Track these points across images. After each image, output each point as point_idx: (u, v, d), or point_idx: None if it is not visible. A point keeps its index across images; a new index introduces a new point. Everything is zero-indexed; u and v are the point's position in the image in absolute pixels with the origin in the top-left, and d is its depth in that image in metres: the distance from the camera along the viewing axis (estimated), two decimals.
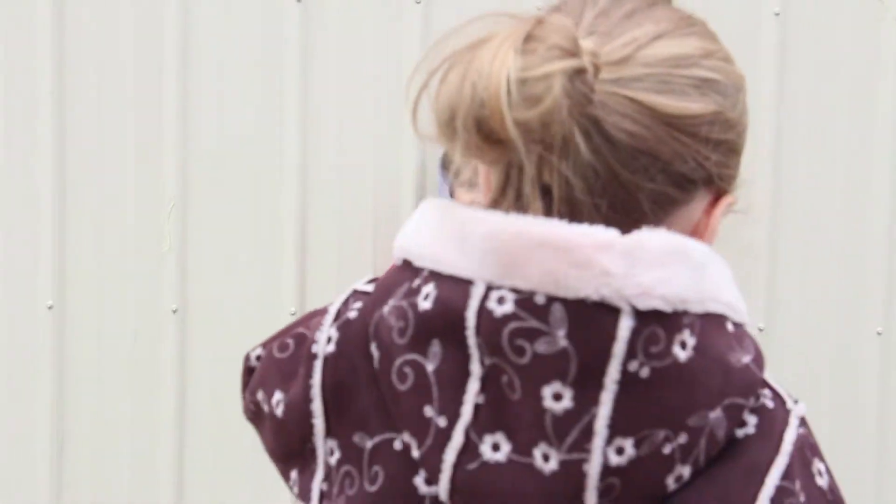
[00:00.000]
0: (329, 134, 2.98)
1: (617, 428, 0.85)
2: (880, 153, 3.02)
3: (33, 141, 2.87)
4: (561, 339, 0.84)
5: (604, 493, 0.85)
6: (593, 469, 0.84)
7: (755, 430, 0.89)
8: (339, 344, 0.96)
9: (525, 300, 0.85)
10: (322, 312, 1.03)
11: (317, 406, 0.97)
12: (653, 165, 0.87)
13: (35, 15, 2.86)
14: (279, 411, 0.99)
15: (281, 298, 3.00)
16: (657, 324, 0.84)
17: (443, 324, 0.88)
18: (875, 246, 3.03)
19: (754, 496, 0.87)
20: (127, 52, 2.90)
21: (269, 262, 2.99)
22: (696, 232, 0.92)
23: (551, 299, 0.85)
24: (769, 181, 3.00)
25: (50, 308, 2.90)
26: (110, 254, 2.92)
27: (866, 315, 3.04)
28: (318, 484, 0.98)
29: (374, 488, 0.93)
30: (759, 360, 0.90)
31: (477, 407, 0.88)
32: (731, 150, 0.91)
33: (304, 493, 1.00)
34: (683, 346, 0.85)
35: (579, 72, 0.85)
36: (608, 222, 0.87)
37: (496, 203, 0.91)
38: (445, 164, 2.93)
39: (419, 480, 0.91)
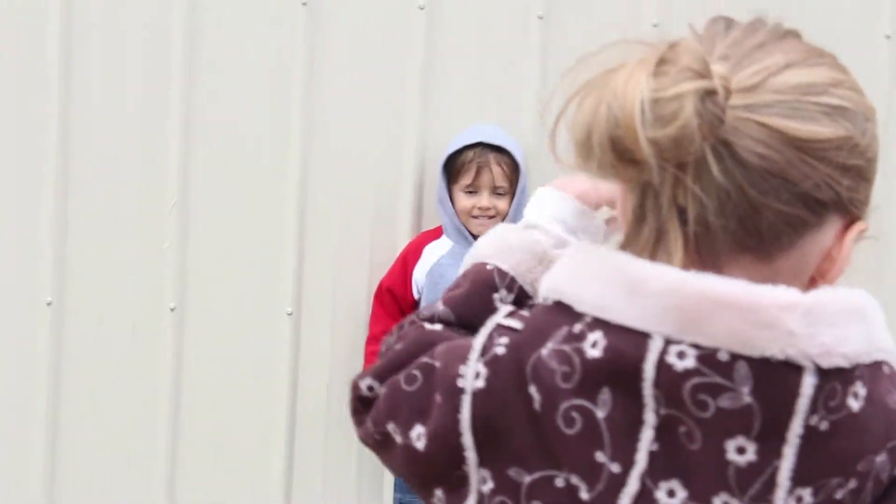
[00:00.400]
0: (330, 136, 3.00)
1: (798, 479, 0.89)
2: None
3: (37, 139, 2.90)
4: (745, 395, 0.88)
5: None
6: None
7: None
8: (488, 380, 0.98)
9: (708, 356, 0.89)
10: (445, 338, 1.06)
11: (467, 440, 0.98)
12: (783, 188, 0.89)
13: (46, 19, 2.89)
14: (420, 445, 1.01)
15: (278, 298, 3.02)
16: (837, 380, 0.89)
17: (614, 373, 0.91)
18: None
19: None
20: (134, 53, 2.92)
21: (268, 262, 3.01)
22: (830, 257, 0.95)
23: (735, 357, 0.88)
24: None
25: (49, 304, 2.92)
26: (111, 251, 2.94)
27: None
28: None
29: None
30: None
31: (651, 454, 0.91)
32: (860, 175, 0.93)
33: None
34: (856, 396, 0.90)
35: (710, 93, 0.88)
36: (741, 245, 0.91)
37: (634, 230, 0.94)
38: (447, 168, 2.95)
39: None
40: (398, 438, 1.03)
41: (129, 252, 2.95)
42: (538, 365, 0.94)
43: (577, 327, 0.93)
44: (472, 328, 1.06)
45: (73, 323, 2.95)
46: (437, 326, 1.10)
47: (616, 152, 0.88)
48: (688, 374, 0.89)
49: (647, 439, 0.91)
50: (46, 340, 2.94)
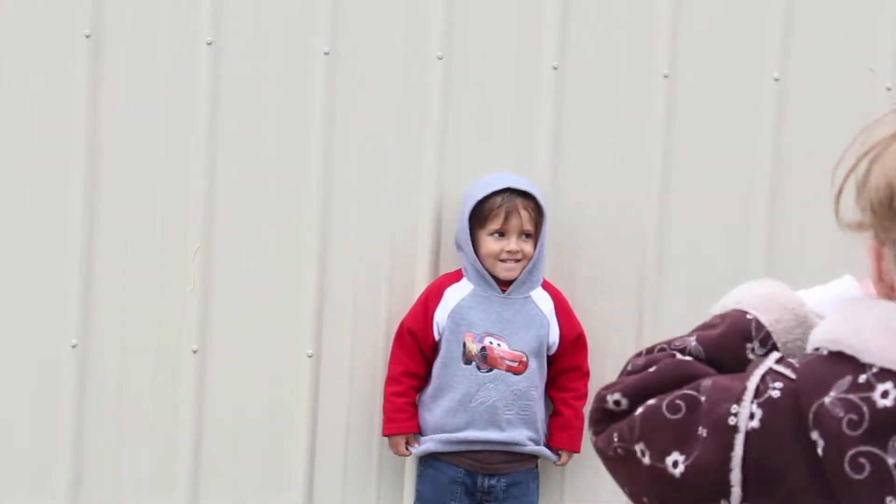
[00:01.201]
0: (348, 182, 3.06)
1: None
2: None
3: (62, 185, 2.93)
4: None
5: None
6: None
7: None
8: (763, 421, 1.03)
9: None
10: (705, 373, 1.11)
11: (736, 476, 1.03)
12: None
13: (73, 47, 2.93)
14: (676, 472, 1.06)
15: (299, 340, 3.07)
16: None
17: None
18: None
19: None
20: (158, 103, 2.97)
21: (288, 304, 3.05)
22: None
23: None
24: None
25: (74, 347, 2.95)
26: (134, 293, 2.98)
27: None
28: None
29: None
30: None
31: None
32: None
33: None
34: None
35: None
36: None
37: None
38: (473, 214, 3.00)
39: None
40: (646, 460, 1.08)
41: (154, 294, 2.98)
42: (822, 413, 0.99)
43: (864, 377, 0.98)
44: (719, 369, 1.11)
45: (97, 365, 2.97)
46: (688, 359, 1.15)
47: None
48: None
49: None
50: (71, 382, 2.96)
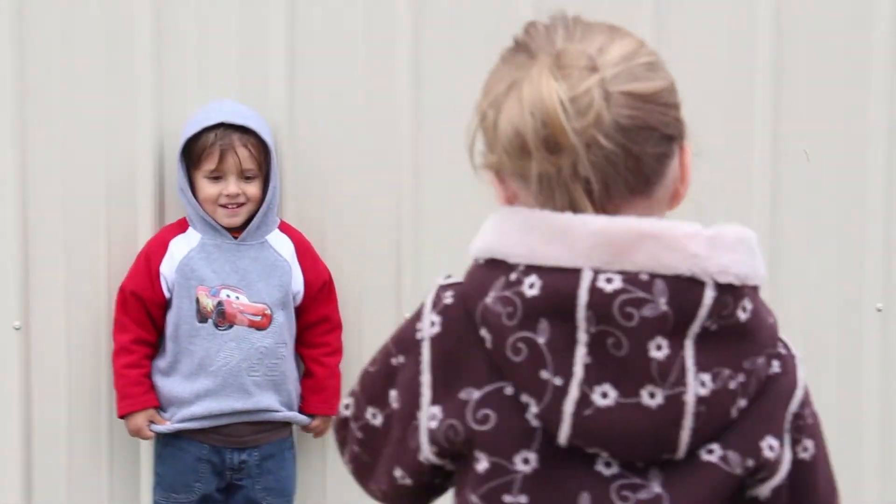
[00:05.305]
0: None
1: (699, 365, 1.16)
2: None
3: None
4: (662, 304, 1.15)
5: (696, 418, 1.16)
6: (690, 398, 1.16)
7: (779, 370, 1.23)
8: (442, 325, 1.22)
9: (632, 278, 1.15)
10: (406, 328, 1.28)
11: (426, 378, 1.22)
12: (651, 135, 1.17)
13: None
14: (396, 404, 1.25)
15: (4, 312, 2.67)
16: (730, 294, 1.16)
17: (550, 305, 1.15)
18: None
19: (782, 415, 1.22)
20: None
21: None
22: (682, 178, 1.23)
23: (653, 276, 1.15)
24: None
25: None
26: None
27: None
28: (426, 448, 1.22)
29: (485, 427, 1.19)
30: (775, 318, 1.24)
31: (586, 366, 1.16)
32: (678, 107, 1.20)
33: (413, 468, 1.24)
34: (744, 310, 1.18)
35: (602, 80, 1.15)
36: (632, 190, 1.17)
37: (545, 196, 1.17)
38: (184, 156, 2.67)
39: (530, 416, 1.18)
40: (377, 420, 1.27)
41: None
42: (485, 311, 1.19)
43: (513, 276, 1.17)
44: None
45: None
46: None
47: (548, 147, 1.14)
48: (616, 293, 1.15)
49: (581, 354, 1.16)
50: None
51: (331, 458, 2.83)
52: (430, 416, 1.21)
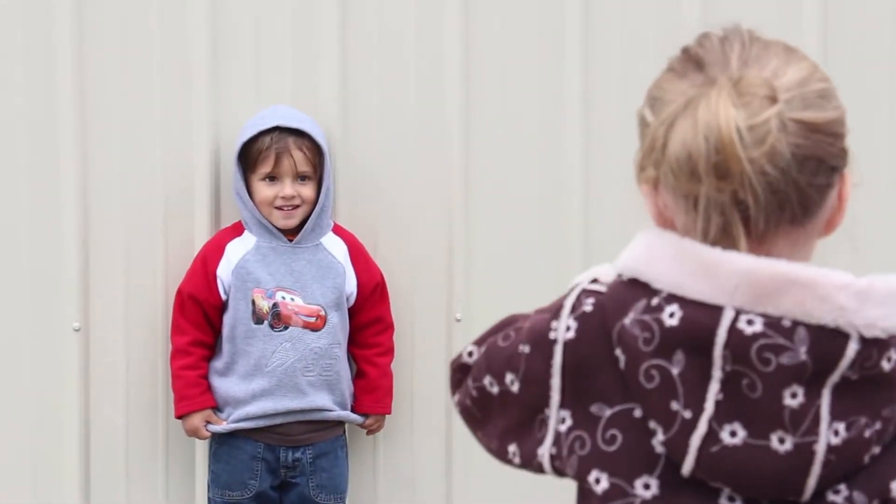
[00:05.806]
0: (112, 134, 2.73)
1: (834, 414, 1.15)
2: None
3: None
4: (802, 353, 1.13)
5: (824, 465, 1.15)
6: (820, 447, 1.14)
7: None
8: (577, 332, 1.22)
9: (773, 323, 1.13)
10: (539, 311, 1.28)
11: (556, 381, 1.22)
12: (817, 166, 1.15)
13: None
14: (515, 388, 1.25)
15: (63, 311, 2.71)
16: (875, 347, 1.15)
17: (688, 338, 1.15)
18: None
19: None
20: None
21: (49, 273, 2.71)
22: (839, 209, 1.20)
23: (796, 323, 1.13)
24: None
25: None
26: None
27: None
28: (546, 449, 1.22)
29: (612, 448, 1.19)
30: None
31: (717, 403, 1.15)
32: (845, 137, 1.18)
33: (528, 458, 1.24)
34: (889, 360, 1.16)
35: (780, 112, 1.14)
36: (791, 220, 1.16)
37: (691, 224, 1.17)
38: (240, 160, 2.73)
39: (656, 442, 1.18)
40: (494, 389, 1.27)
41: None
42: (622, 332, 1.19)
43: (655, 301, 1.17)
44: None
45: None
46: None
47: (717, 173, 1.13)
48: (755, 336, 1.13)
49: (713, 390, 1.15)
50: None
51: (382, 457, 2.89)
52: (559, 419, 1.22)
